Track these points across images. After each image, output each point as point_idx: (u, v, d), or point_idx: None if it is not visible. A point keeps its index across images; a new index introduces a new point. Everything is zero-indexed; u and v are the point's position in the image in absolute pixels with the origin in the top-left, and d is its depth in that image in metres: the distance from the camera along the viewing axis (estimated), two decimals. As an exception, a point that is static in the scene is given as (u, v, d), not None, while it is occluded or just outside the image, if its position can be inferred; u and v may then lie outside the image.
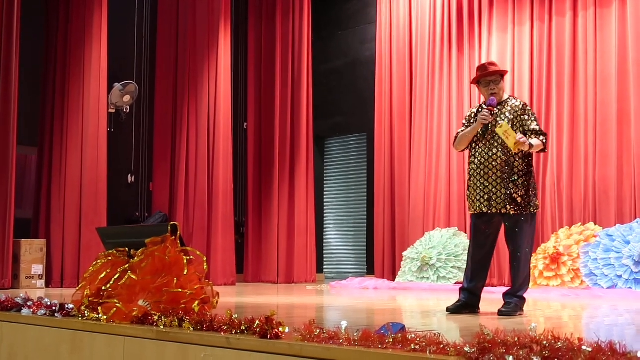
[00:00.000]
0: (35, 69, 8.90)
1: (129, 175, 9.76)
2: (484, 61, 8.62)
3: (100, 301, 3.99)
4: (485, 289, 5.27)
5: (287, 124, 10.52)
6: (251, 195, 10.56)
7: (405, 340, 2.64)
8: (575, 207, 8.49)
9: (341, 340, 2.78)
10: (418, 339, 2.62)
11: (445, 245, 9.10)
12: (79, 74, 8.71)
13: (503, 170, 4.98)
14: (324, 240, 11.80)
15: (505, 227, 5.07)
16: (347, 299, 7.06)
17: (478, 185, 5.06)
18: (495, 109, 5.09)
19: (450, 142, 9.39)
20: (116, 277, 4.05)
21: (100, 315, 3.85)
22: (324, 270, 11.66)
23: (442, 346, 2.55)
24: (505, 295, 5.03)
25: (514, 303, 4.92)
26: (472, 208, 5.10)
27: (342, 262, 11.60)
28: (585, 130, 8.50)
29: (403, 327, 2.86)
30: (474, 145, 5.16)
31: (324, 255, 11.74)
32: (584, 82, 8.55)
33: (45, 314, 4.26)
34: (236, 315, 3.26)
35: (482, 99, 5.38)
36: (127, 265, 4.09)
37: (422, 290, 8.58)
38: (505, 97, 5.23)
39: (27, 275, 8.16)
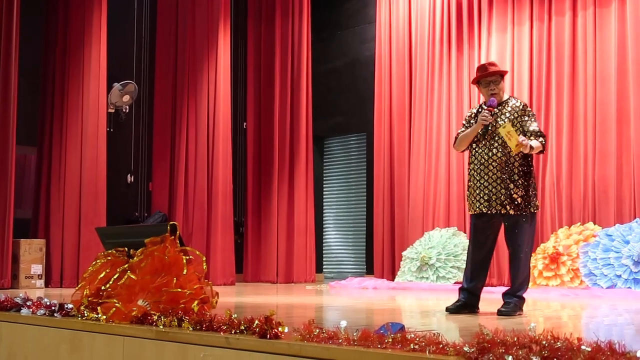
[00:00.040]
0: (34, 68, 8.90)
1: (129, 175, 9.75)
2: (483, 61, 8.64)
3: (100, 301, 3.99)
4: (485, 288, 5.27)
5: (287, 124, 10.52)
6: (251, 195, 10.57)
7: (405, 340, 2.64)
8: (574, 207, 8.49)
9: (340, 340, 2.78)
10: (417, 339, 2.62)
11: (444, 245, 9.10)
12: (78, 74, 8.70)
13: (503, 170, 4.98)
14: (324, 240, 11.80)
15: (505, 227, 5.08)
16: (346, 299, 7.07)
17: (478, 185, 5.06)
18: (495, 110, 5.09)
19: (449, 142, 9.39)
20: (115, 277, 4.05)
21: (99, 315, 3.85)
22: (324, 270, 11.66)
23: (441, 346, 2.55)
24: (504, 295, 5.03)
25: (513, 303, 4.92)
26: (472, 208, 5.10)
27: (342, 262, 11.60)
28: (585, 130, 8.50)
29: (402, 327, 2.86)
30: (474, 145, 5.15)
31: (324, 255, 11.74)
32: (584, 81, 8.55)
33: (45, 313, 4.26)
34: (235, 315, 3.26)
35: (482, 99, 5.38)
36: (126, 265, 4.09)
37: (422, 290, 8.58)
38: (506, 97, 5.23)
39: (27, 275, 8.16)
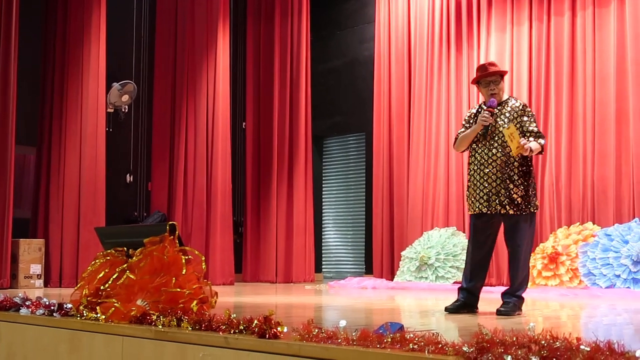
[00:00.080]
0: (34, 68, 8.89)
1: (128, 175, 9.75)
2: (482, 61, 8.64)
3: (99, 301, 3.99)
4: (484, 288, 5.27)
5: (286, 124, 10.52)
6: (250, 195, 10.57)
7: (404, 339, 2.64)
8: (573, 207, 8.49)
9: (339, 340, 2.78)
10: (416, 339, 2.62)
11: (443, 245, 9.10)
12: (77, 74, 8.70)
13: (503, 170, 4.98)
14: (323, 240, 11.80)
15: (504, 227, 5.08)
16: (345, 299, 7.06)
17: (478, 185, 5.06)
18: (495, 110, 5.09)
19: (448, 142, 9.39)
20: (115, 276, 4.05)
21: (98, 315, 3.85)
22: (323, 269, 11.66)
23: (440, 346, 2.55)
24: (503, 294, 5.03)
25: (512, 303, 4.92)
26: (472, 208, 5.10)
27: (341, 262, 11.60)
28: (584, 130, 8.50)
29: (401, 327, 2.86)
30: (473, 145, 5.15)
31: (323, 255, 11.74)
32: (583, 81, 8.56)
33: (44, 313, 4.25)
34: (234, 315, 3.26)
35: (482, 99, 5.38)
36: (125, 265, 4.09)
37: (421, 289, 8.58)
38: (505, 97, 5.23)
39: (26, 275, 8.16)
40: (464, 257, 5.66)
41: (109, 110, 9.29)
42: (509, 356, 2.31)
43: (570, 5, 8.69)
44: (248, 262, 10.44)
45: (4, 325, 4.49)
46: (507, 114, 5.09)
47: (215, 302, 4.11)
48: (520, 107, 5.12)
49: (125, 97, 9.48)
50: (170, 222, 4.19)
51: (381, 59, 10.37)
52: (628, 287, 7.55)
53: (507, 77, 8.63)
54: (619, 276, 7.68)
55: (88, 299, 4.07)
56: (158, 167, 9.67)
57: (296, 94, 10.61)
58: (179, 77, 9.78)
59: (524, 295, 5.04)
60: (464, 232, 9.17)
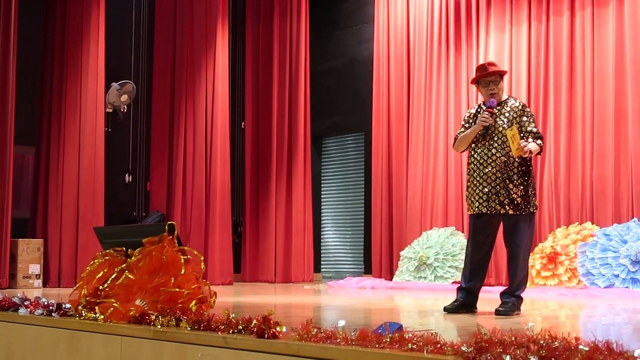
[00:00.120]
0: (32, 68, 8.89)
1: (127, 175, 9.75)
2: (481, 61, 8.64)
3: (98, 301, 3.99)
4: (483, 288, 5.27)
5: (285, 124, 10.52)
6: (249, 195, 10.56)
7: (403, 339, 2.64)
8: (572, 207, 8.49)
9: (338, 340, 2.78)
10: (415, 339, 2.62)
11: (442, 245, 9.10)
12: (76, 74, 8.70)
13: (502, 170, 4.98)
14: (322, 240, 11.79)
15: (504, 226, 5.08)
16: (344, 299, 7.06)
17: (477, 185, 5.05)
18: (495, 110, 5.10)
19: (447, 142, 9.40)
20: (113, 276, 4.05)
21: (97, 315, 3.85)
22: (322, 269, 11.66)
23: (439, 345, 2.55)
24: (502, 294, 5.03)
25: (511, 302, 4.93)
26: (471, 208, 5.09)
27: (340, 262, 11.60)
28: (583, 130, 8.50)
29: (400, 327, 2.86)
30: (473, 145, 5.15)
31: (322, 255, 11.73)
32: (582, 81, 8.56)
33: (43, 313, 4.25)
34: (233, 315, 3.26)
35: (481, 99, 5.38)
36: (124, 265, 4.08)
37: (420, 289, 8.58)
38: (505, 97, 5.23)
39: (25, 275, 8.15)
40: (463, 257, 5.66)
41: (107, 110, 9.29)
42: (508, 356, 2.31)
43: (569, 5, 8.69)
44: (247, 262, 10.44)
45: (3, 325, 4.49)
46: (507, 114, 5.09)
47: (214, 302, 4.11)
48: (520, 107, 5.13)
49: (124, 97, 9.48)
50: (169, 222, 4.19)
51: (380, 59, 10.37)
52: (627, 287, 7.55)
53: (506, 77, 8.61)
54: (617, 276, 7.68)
55: (87, 299, 4.07)
56: (157, 167, 9.66)
57: (295, 94, 10.61)
58: (178, 77, 9.77)
59: (522, 295, 5.04)
60: (462, 232, 9.17)
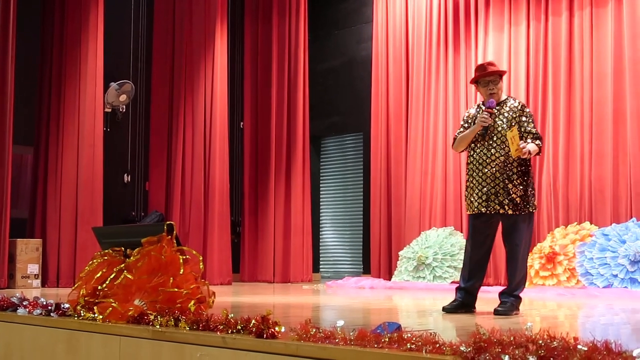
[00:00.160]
0: (31, 68, 8.88)
1: (125, 175, 9.74)
2: (480, 61, 8.65)
3: (96, 301, 3.99)
4: (482, 288, 5.27)
5: (284, 124, 10.52)
6: (247, 195, 10.56)
7: (401, 339, 2.64)
8: (571, 207, 8.50)
9: (337, 340, 2.78)
10: (414, 339, 2.62)
11: (441, 245, 9.11)
12: (75, 73, 8.69)
13: (501, 170, 4.98)
14: (320, 240, 11.80)
15: (503, 226, 5.07)
16: (343, 299, 7.06)
17: (476, 185, 5.06)
18: (494, 110, 5.10)
19: (446, 142, 9.40)
20: (112, 276, 4.05)
21: (96, 315, 3.85)
22: (320, 269, 11.66)
23: (438, 345, 2.55)
24: (501, 294, 5.03)
25: (510, 302, 4.93)
26: (471, 208, 5.10)
27: (339, 262, 11.60)
28: (581, 130, 8.51)
29: (399, 327, 2.86)
30: (472, 145, 5.15)
31: (320, 255, 11.74)
32: (580, 81, 8.57)
33: (41, 313, 4.25)
34: (232, 315, 3.26)
35: (480, 99, 5.38)
36: (123, 265, 4.08)
37: (418, 289, 8.58)
38: (504, 97, 5.23)
39: (23, 275, 8.15)
40: (462, 257, 5.66)
41: (106, 110, 9.29)
42: (507, 356, 2.31)
43: (568, 5, 8.70)
44: (246, 262, 10.44)
45: (1, 325, 4.49)
46: (506, 114, 5.09)
47: (213, 302, 4.11)
48: (519, 107, 5.13)
49: (123, 97, 9.48)
50: (168, 222, 4.18)
51: (379, 58, 10.38)
52: (625, 287, 7.56)
53: (504, 77, 8.64)
54: (616, 276, 7.69)
55: (85, 299, 4.07)
56: (156, 167, 9.66)
57: (294, 94, 10.61)
58: (176, 77, 9.77)
59: (521, 295, 5.04)
60: (461, 231, 9.17)
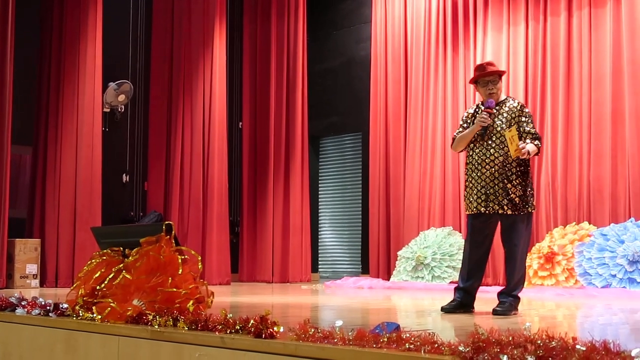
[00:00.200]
0: (30, 68, 8.88)
1: (124, 175, 9.74)
2: (479, 61, 8.65)
3: (95, 301, 3.98)
4: (480, 288, 5.27)
5: (282, 124, 10.52)
6: (246, 195, 10.56)
7: (400, 339, 2.64)
8: (569, 207, 8.50)
9: (336, 340, 2.78)
10: (413, 339, 2.62)
11: (440, 245, 9.11)
12: (73, 73, 8.69)
13: (500, 170, 4.98)
14: (319, 240, 11.80)
15: (501, 226, 5.07)
16: (341, 299, 7.06)
17: (475, 185, 5.06)
18: (493, 110, 5.10)
19: (445, 142, 9.40)
20: (111, 276, 4.05)
21: (94, 315, 3.84)
22: (319, 269, 11.66)
23: (436, 345, 2.55)
24: (499, 294, 5.03)
25: (508, 302, 4.93)
26: (469, 208, 5.10)
27: (337, 262, 11.61)
28: (580, 130, 8.51)
29: (398, 327, 2.86)
30: (471, 145, 5.15)
31: (319, 255, 11.74)
32: (579, 81, 8.57)
33: (40, 313, 4.24)
34: (231, 315, 3.26)
35: (479, 99, 5.38)
36: (121, 265, 4.08)
37: (417, 289, 8.59)
38: (503, 97, 5.23)
39: (22, 275, 8.15)
40: (460, 257, 5.66)
41: (105, 109, 9.28)
42: (505, 356, 2.31)
43: (566, 5, 8.70)
44: (244, 262, 10.43)
45: (0, 325, 4.48)
46: (505, 114, 5.09)
47: (212, 302, 4.11)
48: (518, 108, 5.13)
49: (122, 97, 9.47)
50: (167, 222, 4.18)
51: (378, 59, 10.38)
52: (624, 287, 7.56)
53: (503, 78, 8.64)
54: (614, 276, 7.69)
55: (84, 299, 4.06)
56: (154, 166, 9.66)
57: (293, 94, 10.61)
58: (175, 77, 9.77)
59: (520, 295, 5.04)
60: (460, 231, 9.17)
